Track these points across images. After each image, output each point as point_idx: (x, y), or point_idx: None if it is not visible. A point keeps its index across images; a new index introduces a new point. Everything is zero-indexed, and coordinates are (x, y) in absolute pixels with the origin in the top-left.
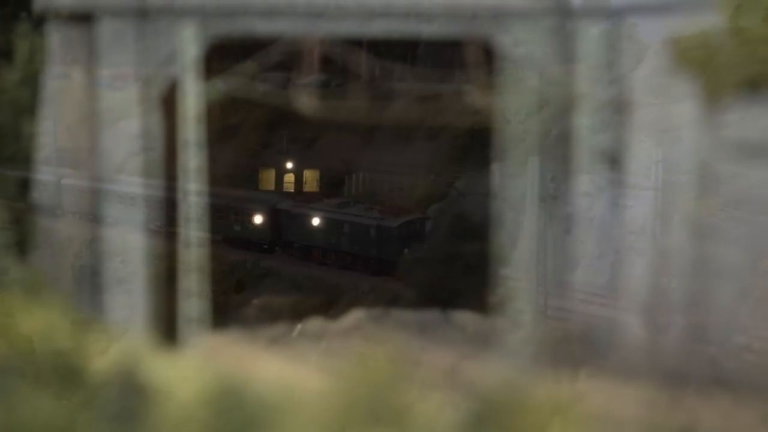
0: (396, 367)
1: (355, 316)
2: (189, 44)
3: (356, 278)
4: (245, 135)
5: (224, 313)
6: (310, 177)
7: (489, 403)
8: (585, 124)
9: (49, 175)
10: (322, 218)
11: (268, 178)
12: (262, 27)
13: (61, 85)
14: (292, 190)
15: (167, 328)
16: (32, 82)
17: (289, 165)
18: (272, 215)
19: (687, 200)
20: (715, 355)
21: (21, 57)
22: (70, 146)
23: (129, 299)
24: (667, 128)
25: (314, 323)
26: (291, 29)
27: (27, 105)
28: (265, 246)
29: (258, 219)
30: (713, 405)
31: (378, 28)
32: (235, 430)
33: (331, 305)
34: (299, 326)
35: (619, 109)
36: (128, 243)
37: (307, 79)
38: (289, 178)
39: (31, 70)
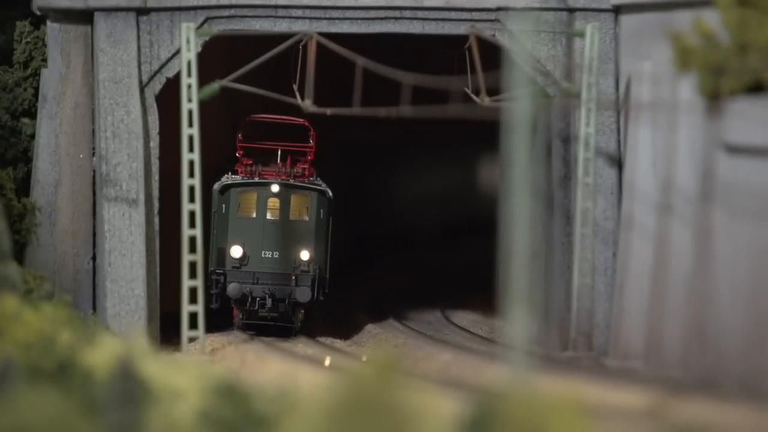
0: (397, 366)
1: (356, 315)
2: (189, 44)
3: None
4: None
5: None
6: (297, 204)
7: (490, 403)
8: (585, 123)
9: (49, 175)
10: None
11: (248, 203)
12: (262, 27)
13: (61, 85)
14: (277, 218)
15: (168, 328)
16: (32, 82)
17: (275, 188)
18: None
19: (688, 200)
20: (716, 355)
21: (20, 57)
22: (70, 146)
23: (129, 299)
24: (668, 128)
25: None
26: (291, 29)
27: (27, 105)
28: None
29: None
30: (713, 405)
31: (378, 28)
32: (237, 429)
33: None
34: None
35: (620, 108)
36: (128, 242)
37: (306, 81)
38: (274, 203)
39: (31, 70)
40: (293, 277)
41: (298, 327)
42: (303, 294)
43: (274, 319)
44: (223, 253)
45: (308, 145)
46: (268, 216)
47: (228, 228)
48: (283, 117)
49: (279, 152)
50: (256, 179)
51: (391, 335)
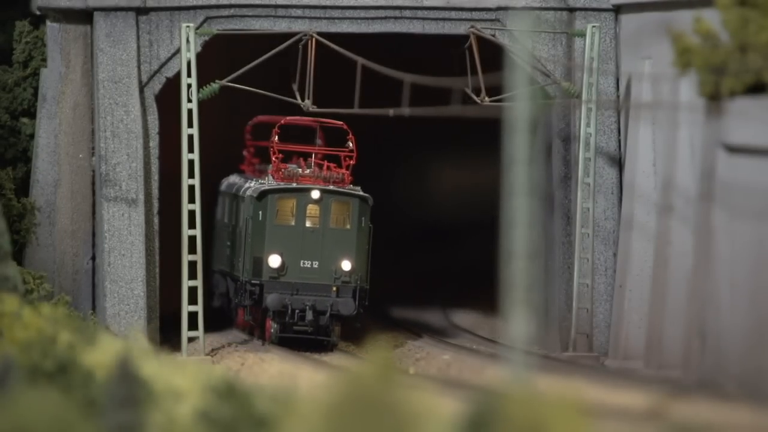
0: (397, 365)
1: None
2: (189, 44)
3: None
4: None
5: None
6: (337, 211)
7: (490, 403)
8: (586, 123)
9: (48, 174)
10: None
11: (286, 210)
12: (262, 26)
13: (60, 84)
14: (317, 225)
15: (168, 327)
16: (32, 81)
17: (316, 194)
18: None
19: (688, 200)
20: (716, 355)
21: (20, 57)
22: (69, 146)
23: (129, 299)
24: (668, 127)
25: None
26: (291, 29)
27: (26, 105)
28: None
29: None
30: (713, 405)
31: (378, 28)
32: (237, 429)
33: None
34: None
35: (620, 108)
36: (128, 242)
37: (307, 80)
38: (313, 210)
39: (31, 69)
40: (334, 289)
41: (336, 342)
42: (347, 306)
43: (311, 333)
44: (259, 263)
45: (348, 149)
46: (308, 224)
47: (265, 236)
48: (321, 120)
49: (313, 156)
50: (294, 185)
51: (391, 335)
